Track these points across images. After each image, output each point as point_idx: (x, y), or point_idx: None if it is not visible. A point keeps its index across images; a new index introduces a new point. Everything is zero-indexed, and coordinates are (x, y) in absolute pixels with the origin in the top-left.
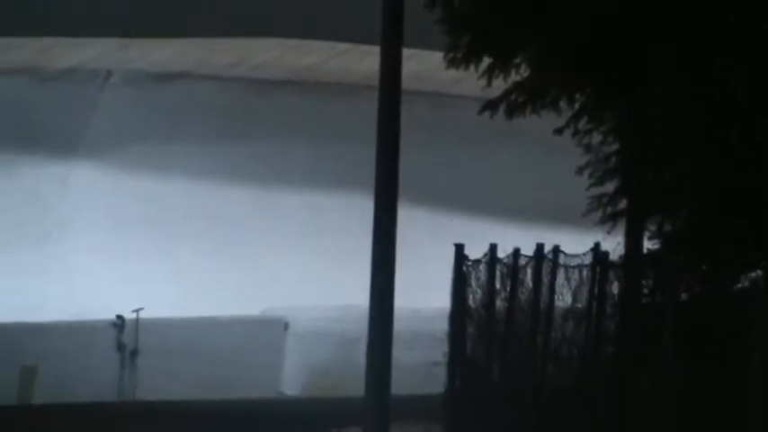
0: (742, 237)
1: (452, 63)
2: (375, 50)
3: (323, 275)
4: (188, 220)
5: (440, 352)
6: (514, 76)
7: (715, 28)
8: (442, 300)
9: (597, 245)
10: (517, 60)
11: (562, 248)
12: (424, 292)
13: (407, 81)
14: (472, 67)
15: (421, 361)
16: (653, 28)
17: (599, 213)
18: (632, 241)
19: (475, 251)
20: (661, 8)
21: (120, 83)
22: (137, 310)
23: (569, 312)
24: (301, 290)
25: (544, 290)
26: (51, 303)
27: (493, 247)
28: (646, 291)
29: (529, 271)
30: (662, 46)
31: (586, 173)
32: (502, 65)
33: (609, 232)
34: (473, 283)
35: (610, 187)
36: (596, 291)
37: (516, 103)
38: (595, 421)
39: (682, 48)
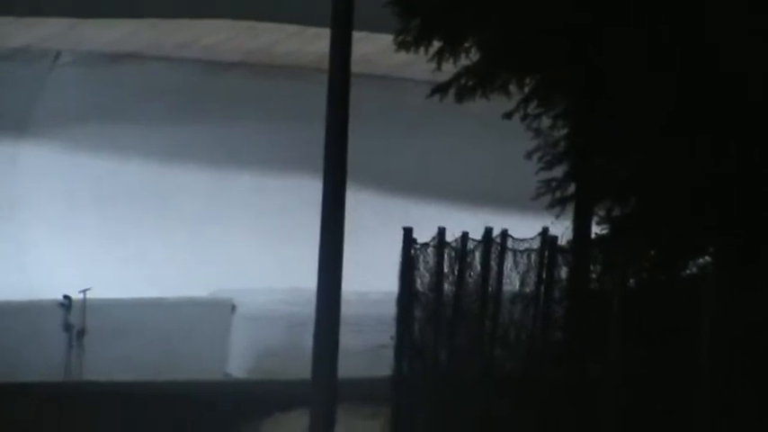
0: (690, 222)
1: (402, 46)
2: (325, 33)
3: (271, 257)
4: (138, 200)
5: (387, 335)
6: (464, 60)
7: (671, 10)
8: (389, 283)
9: (546, 229)
10: (467, 44)
11: (510, 233)
12: (372, 276)
13: (357, 64)
14: (422, 50)
15: (368, 344)
16: (605, 11)
17: (548, 198)
18: (581, 226)
19: (423, 235)
20: None
21: (71, 63)
22: (84, 291)
23: (517, 296)
24: (249, 272)
25: (492, 274)
26: (0, 282)
27: (441, 231)
28: (594, 275)
29: (477, 255)
30: (613, 28)
31: (535, 157)
32: (452, 48)
33: (557, 217)
34: (421, 267)
35: (559, 172)
36: (544, 275)
37: (466, 87)
38: (542, 405)
39: (631, 32)
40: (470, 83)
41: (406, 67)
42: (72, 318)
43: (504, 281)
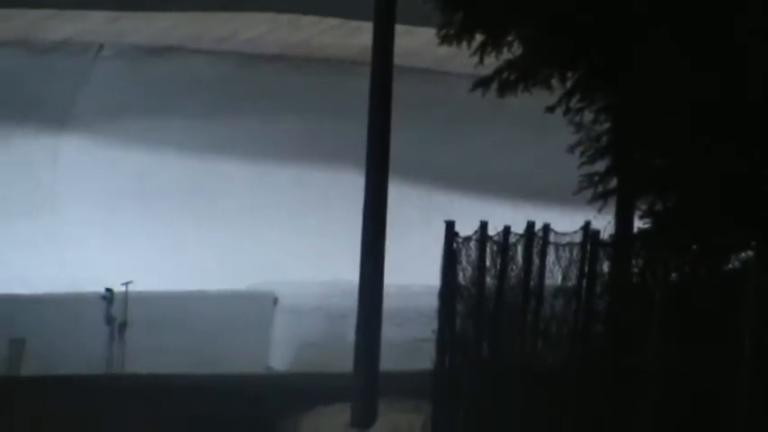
0: (733, 217)
1: (445, 40)
2: (366, 26)
3: (313, 250)
4: (179, 193)
5: (428, 328)
6: (507, 54)
7: (710, 9)
8: (431, 277)
9: (588, 223)
10: (510, 38)
11: (553, 227)
12: (413, 269)
13: (399, 57)
14: (464, 44)
15: (409, 337)
16: (646, 7)
17: (590, 192)
18: (623, 220)
19: (465, 228)
20: None
21: (112, 56)
22: (126, 284)
23: (559, 290)
24: (291, 265)
25: (534, 268)
26: (42, 275)
27: (483, 225)
28: (636, 270)
29: (519, 249)
30: (656, 25)
31: (578, 151)
32: (494, 42)
33: (599, 211)
34: (463, 261)
35: (601, 166)
36: (586, 269)
37: (508, 81)
38: (584, 400)
39: (675, 27)
40: (513, 77)
41: (448, 60)
42: (114, 310)
43: (545, 275)
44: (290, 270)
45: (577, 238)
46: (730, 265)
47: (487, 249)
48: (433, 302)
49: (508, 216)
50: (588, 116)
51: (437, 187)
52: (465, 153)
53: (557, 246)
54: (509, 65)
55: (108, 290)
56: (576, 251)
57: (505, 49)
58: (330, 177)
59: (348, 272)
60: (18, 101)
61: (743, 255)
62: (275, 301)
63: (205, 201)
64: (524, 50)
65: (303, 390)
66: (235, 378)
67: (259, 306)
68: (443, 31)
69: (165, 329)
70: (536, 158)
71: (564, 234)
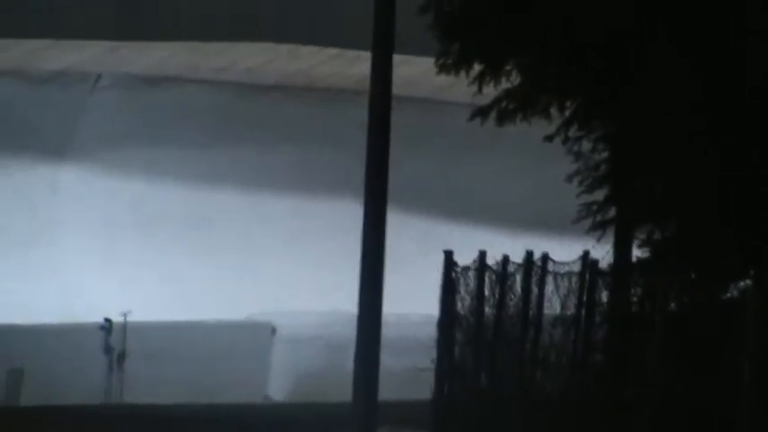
0: (731, 246)
1: (443, 69)
2: (365, 56)
3: (311, 280)
4: (177, 223)
5: (427, 358)
6: (505, 83)
7: (705, 35)
8: (429, 306)
9: (586, 253)
10: (508, 67)
11: (551, 256)
12: (412, 298)
13: (397, 87)
14: (463, 73)
15: (408, 366)
16: (643, 35)
17: (588, 221)
18: (621, 249)
19: (464, 258)
20: (651, 15)
21: (110, 86)
22: (125, 314)
23: (558, 320)
24: (289, 295)
25: (533, 297)
26: (40, 305)
27: (482, 254)
28: (635, 299)
29: (518, 278)
30: (652, 54)
31: (576, 180)
32: (493, 72)
33: (598, 240)
34: (462, 290)
35: (599, 195)
36: (585, 298)
37: (507, 110)
38: (583, 428)
39: (672, 56)
40: (511, 106)
41: (446, 89)
42: (112, 340)
43: (544, 304)
44: (288, 300)
45: (576, 268)
46: (729, 294)
47: (486, 279)
48: (431, 332)
49: (507, 245)
50: (587, 145)
51: (436, 216)
52: (463, 182)
53: (555, 275)
54: (507, 94)
55: (107, 320)
56: (574, 280)
57: (504, 79)
58: (329, 207)
59: (347, 301)
60: (16, 131)
61: (741, 283)
62: (273, 330)
63: (203, 230)
64: (522, 80)
65: (301, 420)
66: (233, 408)
67: (257, 336)
68: (441, 61)
69: (164, 359)
70: (535, 187)
71: (563, 263)
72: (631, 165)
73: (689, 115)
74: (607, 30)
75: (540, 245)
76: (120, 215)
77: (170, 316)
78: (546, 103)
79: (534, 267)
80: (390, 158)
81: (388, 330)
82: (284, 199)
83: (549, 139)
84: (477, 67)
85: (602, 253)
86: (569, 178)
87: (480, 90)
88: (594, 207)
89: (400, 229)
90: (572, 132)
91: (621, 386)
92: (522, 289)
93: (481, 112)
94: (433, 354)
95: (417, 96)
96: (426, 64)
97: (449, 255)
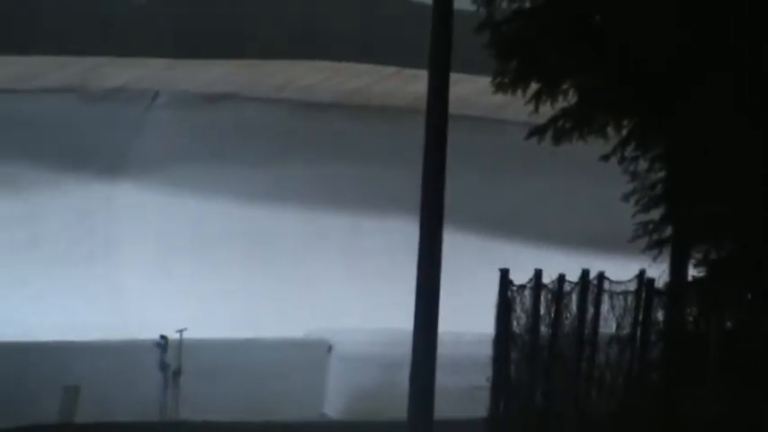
0: None
1: (500, 88)
2: (422, 74)
3: (367, 298)
4: (233, 241)
5: (483, 376)
6: (562, 102)
7: (762, 54)
8: (484, 324)
9: (642, 272)
10: (565, 86)
11: (607, 275)
12: (468, 317)
13: (453, 105)
14: (518, 92)
15: (464, 385)
16: (700, 57)
17: (645, 240)
18: (677, 268)
19: (520, 277)
20: (708, 37)
21: (167, 104)
22: (181, 331)
23: (614, 338)
24: (345, 312)
25: (589, 316)
26: (96, 322)
27: (538, 273)
28: (690, 318)
29: (574, 297)
30: (709, 73)
31: (632, 200)
32: (549, 90)
33: (654, 259)
34: (518, 309)
35: (656, 214)
36: (641, 317)
37: (563, 129)
38: None
39: (728, 75)
40: (568, 125)
41: (503, 108)
42: (168, 357)
43: (600, 323)
44: (344, 318)
45: (632, 287)
46: None
47: (542, 297)
48: (487, 350)
49: (562, 264)
50: (643, 164)
51: (491, 235)
52: (519, 201)
53: (611, 294)
54: (564, 113)
55: (162, 337)
56: (630, 299)
57: (560, 98)
58: (385, 225)
59: (403, 320)
60: (72, 148)
61: None
62: (329, 348)
63: (260, 248)
64: (579, 99)
65: None
66: (289, 426)
67: (313, 353)
68: (498, 80)
69: (220, 377)
70: (591, 206)
71: (619, 282)
72: (688, 184)
73: (746, 134)
74: (664, 50)
75: (596, 264)
76: (177, 232)
77: (226, 333)
78: (602, 122)
79: (590, 286)
80: (446, 176)
81: (443, 348)
82: (341, 217)
83: (606, 158)
84: (533, 86)
85: (659, 272)
86: (626, 197)
87: (537, 109)
88: (651, 226)
89: (456, 247)
90: (629, 152)
91: (677, 404)
92: (578, 308)
93: (538, 131)
94: (489, 372)
95: (473, 115)
96: (482, 83)
97: (504, 273)
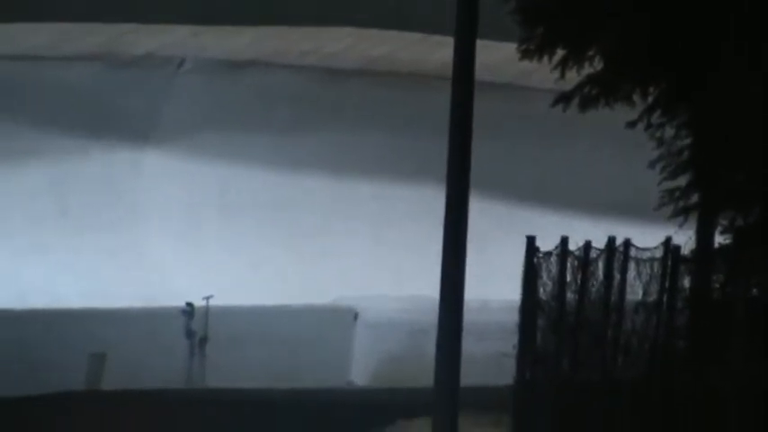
0: None
1: (526, 54)
2: (448, 41)
3: (394, 265)
4: (260, 208)
5: (509, 343)
6: (588, 69)
7: None
8: (511, 291)
9: (668, 239)
10: (591, 53)
11: (633, 242)
12: (494, 284)
13: (479, 72)
14: (544, 59)
15: (490, 352)
16: (727, 21)
17: (671, 207)
18: (704, 235)
19: (546, 244)
20: (738, 3)
21: (193, 70)
22: (207, 298)
23: (640, 305)
24: (371, 280)
25: (615, 283)
26: (122, 290)
27: (564, 240)
28: (716, 285)
29: (600, 264)
30: (736, 40)
31: (658, 166)
32: (575, 57)
33: (680, 226)
34: (544, 276)
35: (682, 181)
36: (667, 284)
37: (590, 96)
38: (665, 415)
39: (756, 42)
40: (594, 92)
41: (529, 75)
42: (195, 325)
43: (626, 290)
44: (371, 285)
45: (658, 254)
46: None
47: (568, 264)
48: (513, 317)
49: (589, 231)
50: (669, 131)
51: (518, 202)
52: (545, 168)
53: (638, 261)
54: (590, 80)
55: (189, 304)
56: (656, 266)
57: (587, 64)
58: (412, 192)
59: (429, 286)
60: (99, 115)
61: None
62: (356, 315)
63: (287, 215)
64: (605, 65)
65: (384, 404)
66: (316, 392)
67: (340, 320)
68: (524, 46)
69: (246, 344)
70: (617, 174)
71: (645, 249)
72: (714, 151)
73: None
74: (692, 16)
75: (623, 231)
76: (204, 199)
77: (253, 300)
78: (629, 89)
79: (616, 253)
80: (472, 143)
81: (469, 316)
82: (368, 184)
83: (632, 125)
84: (559, 53)
85: (685, 239)
86: (652, 164)
87: (563, 75)
88: (677, 193)
89: (481, 214)
90: (655, 118)
91: (703, 372)
92: (605, 275)
93: (564, 98)
94: (515, 339)
95: (499, 82)
96: (508, 49)
97: (531, 240)
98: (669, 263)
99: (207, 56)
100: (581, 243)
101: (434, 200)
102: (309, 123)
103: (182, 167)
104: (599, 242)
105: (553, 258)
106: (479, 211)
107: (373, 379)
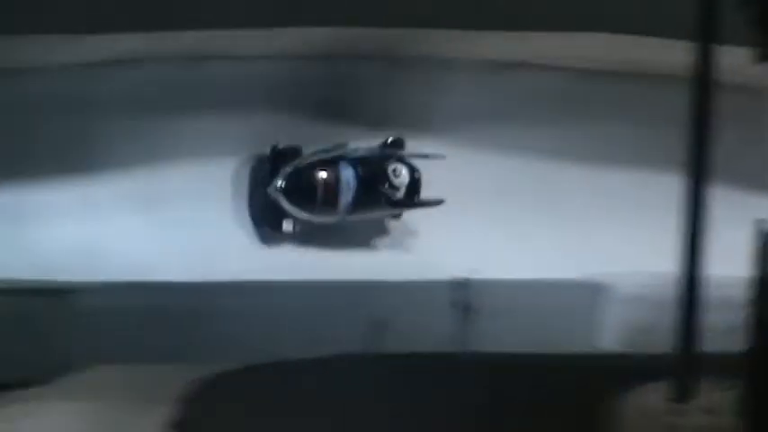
0: None
1: (763, 59)
2: (685, 45)
3: (646, 244)
4: (525, 193)
5: (740, 316)
6: None
7: None
8: (742, 270)
9: None
10: None
11: None
12: (727, 263)
13: (716, 73)
14: None
15: (726, 324)
16: None
17: None
18: None
19: None
20: None
21: (471, 69)
22: (472, 272)
23: None
24: (621, 257)
25: None
26: (394, 264)
27: None
28: None
29: None
30: None
31: None
32: None
33: None
34: None
35: None
36: None
37: None
38: None
39: None
40: None
41: (763, 77)
42: (461, 296)
43: None
44: (620, 262)
45: None
46: None
47: None
48: (744, 293)
49: None
50: None
51: (749, 190)
52: None
53: None
54: None
55: (457, 277)
56: None
57: None
58: (660, 180)
59: (674, 264)
60: (375, 111)
61: None
62: (605, 289)
63: (550, 200)
64: None
65: (628, 369)
66: (569, 358)
67: (590, 294)
68: (761, 51)
69: (506, 315)
70: None
71: None
72: None
73: None
74: None
75: None
76: (476, 183)
77: (515, 275)
78: None
79: None
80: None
81: (707, 291)
82: (620, 172)
83: None
84: None
85: None
86: None
87: None
88: None
89: (717, 201)
90: None
91: None
92: None
93: None
94: (745, 312)
95: (734, 82)
96: (743, 53)
97: (761, 222)
98: None
99: (479, 58)
100: None
101: (681, 187)
102: (567, 118)
103: (457, 155)
104: None
105: None
106: (714, 197)
107: (620, 347)
